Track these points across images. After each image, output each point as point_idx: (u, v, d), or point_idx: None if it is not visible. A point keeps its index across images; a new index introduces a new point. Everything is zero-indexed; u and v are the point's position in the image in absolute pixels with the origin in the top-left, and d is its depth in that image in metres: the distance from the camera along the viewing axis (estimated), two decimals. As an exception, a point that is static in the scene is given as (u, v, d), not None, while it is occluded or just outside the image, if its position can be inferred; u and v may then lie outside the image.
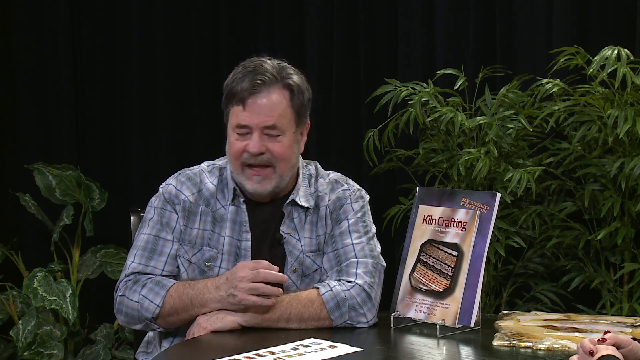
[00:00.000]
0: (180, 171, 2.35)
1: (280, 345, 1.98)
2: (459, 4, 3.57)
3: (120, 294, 2.26)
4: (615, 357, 1.66)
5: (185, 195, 2.28)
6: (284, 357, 1.89)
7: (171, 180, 2.32)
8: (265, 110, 2.18)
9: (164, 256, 2.26)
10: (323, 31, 3.82)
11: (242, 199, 2.27)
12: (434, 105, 3.18)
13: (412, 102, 3.19)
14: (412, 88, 3.23)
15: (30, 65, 3.97)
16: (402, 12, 3.67)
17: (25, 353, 3.37)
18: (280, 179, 2.23)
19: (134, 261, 2.27)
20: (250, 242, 2.26)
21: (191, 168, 2.35)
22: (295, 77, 2.24)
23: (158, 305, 2.17)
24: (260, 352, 1.92)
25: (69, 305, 3.34)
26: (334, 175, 2.38)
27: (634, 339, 1.75)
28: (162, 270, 2.25)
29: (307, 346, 1.98)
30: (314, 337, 2.04)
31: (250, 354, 1.90)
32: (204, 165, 2.36)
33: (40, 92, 3.98)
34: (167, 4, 3.99)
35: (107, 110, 4.05)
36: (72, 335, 3.62)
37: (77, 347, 3.66)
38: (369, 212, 2.35)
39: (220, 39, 3.97)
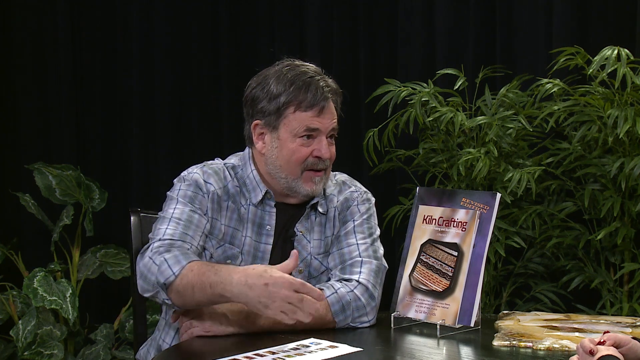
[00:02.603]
0: (203, 164, 2.30)
1: (280, 345, 1.98)
2: (459, 4, 3.57)
3: (149, 255, 2.10)
4: (616, 357, 1.66)
5: (214, 186, 2.25)
6: (284, 357, 1.89)
7: (196, 170, 2.27)
8: (332, 115, 2.26)
9: (200, 230, 2.18)
10: (323, 31, 3.82)
11: (272, 203, 2.28)
12: (434, 105, 3.18)
13: (412, 102, 3.19)
14: (412, 88, 3.23)
15: (30, 66, 3.97)
16: (402, 12, 3.67)
17: (25, 353, 3.37)
18: (327, 180, 2.31)
19: (168, 227, 2.15)
20: (271, 246, 2.26)
21: (213, 162, 2.31)
22: (333, 83, 2.32)
23: (174, 274, 2.03)
24: (260, 352, 1.92)
25: (69, 305, 3.34)
26: (340, 176, 2.41)
27: (634, 338, 1.75)
28: (198, 243, 2.17)
29: (307, 346, 1.98)
30: (314, 337, 2.04)
31: (250, 354, 1.90)
32: (223, 162, 2.32)
33: (40, 92, 3.98)
34: (167, 4, 3.99)
35: (107, 110, 4.05)
36: (72, 335, 3.62)
37: (77, 347, 3.67)
38: (375, 215, 2.37)
39: (220, 39, 3.97)
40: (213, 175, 2.26)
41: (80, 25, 4.03)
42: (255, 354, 1.90)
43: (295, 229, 2.28)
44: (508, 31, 3.49)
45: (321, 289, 2.17)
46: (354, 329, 2.17)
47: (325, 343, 2.00)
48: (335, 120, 2.27)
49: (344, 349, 1.96)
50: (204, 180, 2.24)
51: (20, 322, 3.40)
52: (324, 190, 2.33)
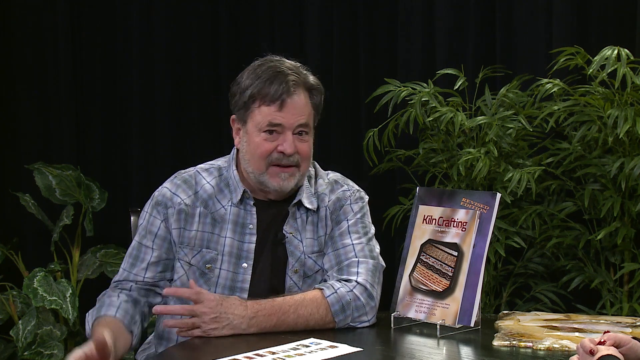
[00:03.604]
0: (175, 174, 2.35)
1: (280, 345, 1.98)
2: (459, 4, 3.57)
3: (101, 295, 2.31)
4: (616, 357, 1.66)
5: (180, 198, 2.27)
6: (284, 357, 1.89)
7: (167, 184, 2.32)
8: (299, 110, 2.21)
9: (144, 263, 2.27)
10: (323, 31, 3.82)
11: (251, 202, 2.27)
12: (434, 105, 3.18)
13: (412, 102, 3.19)
14: (412, 88, 3.23)
15: (30, 66, 3.97)
16: (402, 13, 3.67)
17: (25, 353, 3.37)
18: (301, 178, 2.27)
19: (122, 267, 2.31)
20: (254, 245, 2.26)
21: (186, 170, 2.35)
22: (312, 77, 2.28)
23: (89, 329, 2.24)
24: (260, 352, 1.92)
25: (69, 305, 3.34)
26: (333, 175, 2.39)
27: (634, 338, 1.75)
28: (144, 277, 2.27)
29: (307, 346, 1.98)
30: (314, 337, 2.04)
31: (250, 354, 1.90)
32: (201, 165, 2.35)
33: (40, 92, 3.98)
34: (167, 4, 3.99)
35: (107, 110, 4.05)
36: (72, 335, 3.62)
37: (77, 347, 3.66)
38: (369, 213, 2.36)
39: (220, 39, 3.97)
40: (181, 185, 2.30)
41: (81, 25, 4.03)
42: (255, 354, 1.90)
43: (284, 232, 2.27)
44: (508, 31, 3.49)
45: (321, 289, 2.18)
46: (354, 329, 2.17)
47: (325, 343, 2.00)
48: (304, 116, 2.22)
49: (344, 349, 1.96)
50: (173, 193, 2.28)
51: (20, 322, 3.40)
52: (315, 187, 2.31)
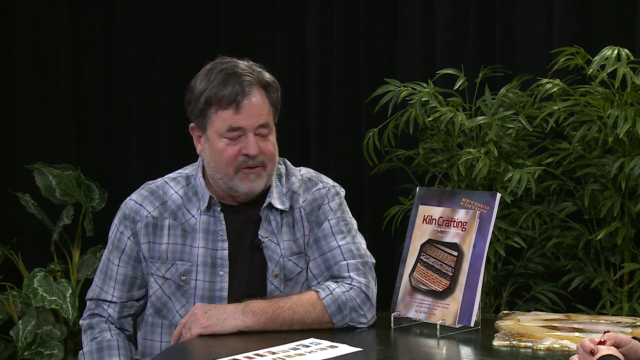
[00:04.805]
0: (143, 185, 2.32)
1: (280, 345, 1.98)
2: (459, 4, 3.57)
3: (85, 322, 2.33)
4: (616, 357, 1.66)
5: (147, 210, 2.25)
6: (284, 357, 1.89)
7: (133, 196, 2.29)
8: (257, 110, 2.16)
9: (112, 281, 2.28)
10: (323, 31, 3.82)
11: (218, 208, 2.23)
12: (434, 105, 3.18)
13: (412, 102, 3.18)
14: (412, 88, 3.23)
15: (30, 65, 3.97)
16: (402, 12, 3.67)
17: (25, 353, 3.37)
18: (269, 178, 2.22)
19: (94, 281, 2.32)
20: (227, 251, 2.22)
21: (154, 181, 2.31)
22: (267, 74, 2.22)
23: None
24: (260, 352, 1.92)
25: (69, 305, 3.34)
26: (306, 172, 2.33)
27: (634, 338, 1.75)
28: (112, 295, 2.27)
29: (307, 346, 1.98)
30: (314, 337, 2.04)
31: (250, 354, 1.90)
32: (169, 175, 2.32)
33: (40, 92, 3.98)
34: (167, 4, 3.99)
35: (107, 111, 4.05)
36: (72, 335, 3.62)
37: (77, 347, 3.66)
38: (347, 208, 2.31)
39: (220, 39, 3.97)
40: (149, 196, 2.27)
41: (81, 25, 4.02)
42: (255, 354, 1.90)
43: (259, 236, 2.23)
44: (508, 31, 3.48)
45: (317, 291, 2.17)
46: (354, 328, 2.17)
47: (325, 343, 2.00)
48: (264, 115, 2.16)
49: (344, 349, 1.96)
50: (139, 205, 2.26)
51: (20, 322, 3.40)
52: (287, 186, 2.27)
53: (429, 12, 3.62)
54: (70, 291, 3.37)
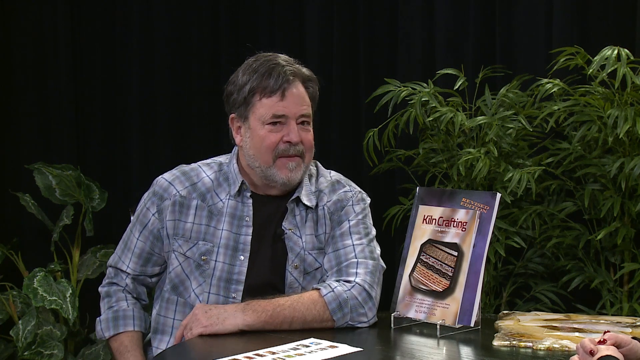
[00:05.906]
0: (177, 166, 2.38)
1: (280, 345, 1.98)
2: (459, 4, 3.57)
3: (103, 290, 2.40)
4: (616, 357, 1.66)
5: (176, 189, 2.30)
6: (284, 357, 1.89)
7: (165, 174, 2.36)
8: (300, 99, 2.24)
9: (130, 252, 2.36)
10: (323, 31, 3.82)
11: (248, 194, 2.28)
12: (434, 105, 3.18)
13: (412, 102, 3.19)
14: (412, 88, 3.23)
15: (30, 66, 3.97)
16: (402, 12, 3.67)
17: (25, 353, 3.37)
18: (305, 169, 2.28)
19: (116, 251, 2.40)
20: (250, 237, 2.26)
21: (188, 165, 2.38)
22: (305, 69, 2.30)
23: (106, 337, 2.35)
24: (260, 352, 1.92)
25: (69, 305, 3.34)
26: (335, 175, 2.40)
27: (634, 338, 1.75)
28: (127, 266, 2.35)
29: (307, 346, 1.98)
30: (314, 337, 2.04)
31: (250, 354, 1.90)
32: (203, 161, 2.38)
33: (40, 92, 3.98)
34: (167, 4, 3.99)
35: (107, 111, 4.05)
36: (72, 335, 3.62)
37: (77, 347, 3.66)
38: (370, 215, 2.37)
39: (220, 39, 3.97)
40: (179, 177, 2.33)
41: (81, 25, 4.03)
42: (255, 354, 1.90)
43: (283, 227, 2.28)
44: (508, 31, 3.49)
45: (317, 289, 2.18)
46: (354, 328, 2.17)
47: (325, 343, 2.00)
48: (306, 106, 2.25)
49: (344, 349, 1.96)
50: (169, 183, 2.31)
51: (20, 322, 3.40)
52: (316, 185, 2.32)
53: (429, 12, 3.63)
54: (70, 291, 3.37)
